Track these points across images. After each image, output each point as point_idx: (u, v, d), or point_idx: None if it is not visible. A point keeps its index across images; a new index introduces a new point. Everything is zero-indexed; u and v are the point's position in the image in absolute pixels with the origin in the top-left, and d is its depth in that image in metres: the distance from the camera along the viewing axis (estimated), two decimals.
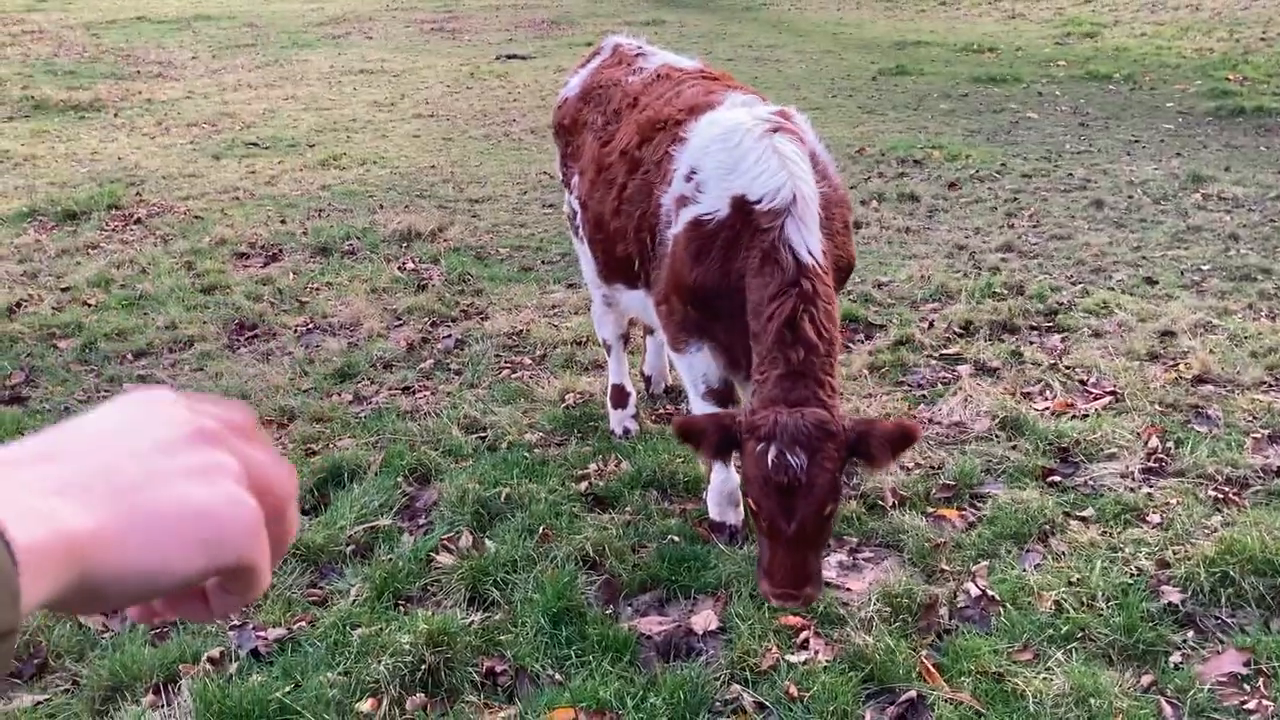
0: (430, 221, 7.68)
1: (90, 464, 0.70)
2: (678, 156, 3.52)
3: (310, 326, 5.96)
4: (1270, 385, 4.82)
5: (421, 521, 4.00)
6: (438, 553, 3.75)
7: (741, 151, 3.33)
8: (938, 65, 14.38)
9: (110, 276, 6.71)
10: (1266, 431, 4.40)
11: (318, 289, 6.51)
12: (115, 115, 12.32)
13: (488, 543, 3.78)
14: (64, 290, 6.51)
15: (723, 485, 3.84)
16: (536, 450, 4.47)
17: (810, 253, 3.21)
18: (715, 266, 3.34)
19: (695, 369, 3.67)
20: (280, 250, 7.28)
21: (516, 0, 24.10)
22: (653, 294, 3.75)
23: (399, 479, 4.21)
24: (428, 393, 5.08)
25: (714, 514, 3.88)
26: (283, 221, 7.95)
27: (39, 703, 3.05)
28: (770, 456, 2.92)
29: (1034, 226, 7.31)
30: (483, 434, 4.63)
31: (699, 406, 3.70)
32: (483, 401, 4.93)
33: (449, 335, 5.73)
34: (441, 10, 23.22)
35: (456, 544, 3.79)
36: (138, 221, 7.97)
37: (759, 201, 3.23)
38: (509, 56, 16.26)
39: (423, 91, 13.64)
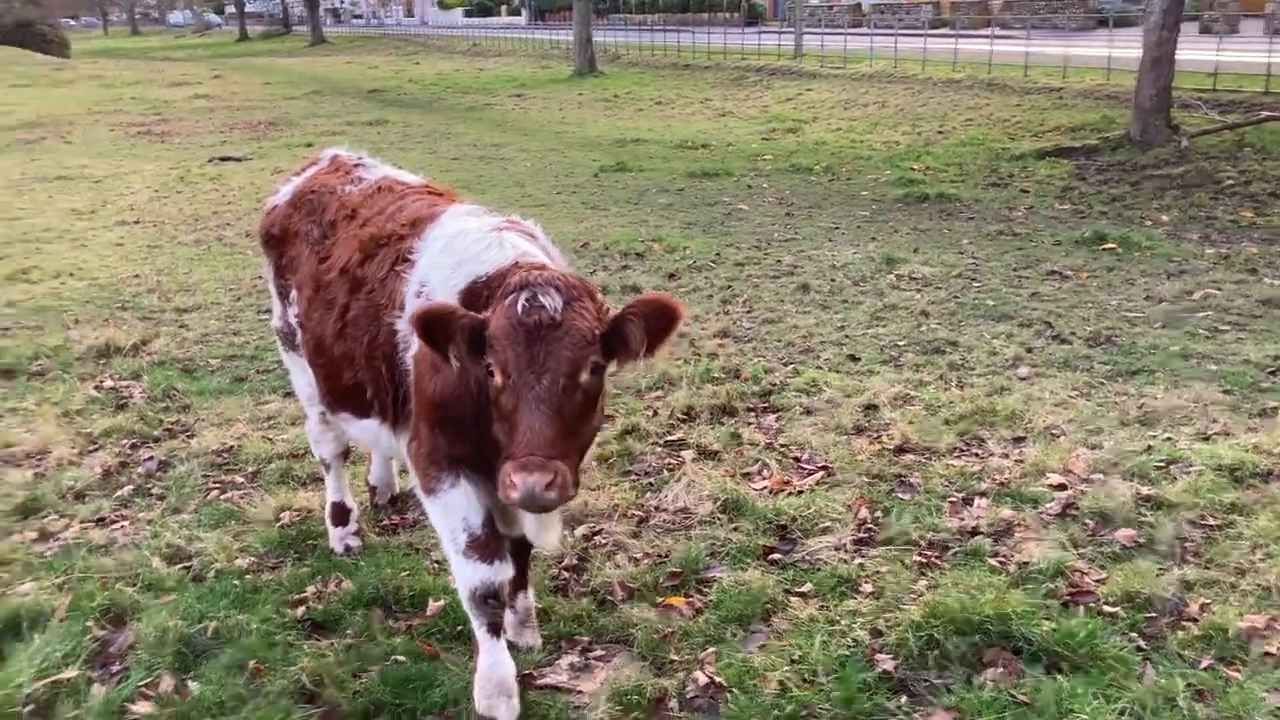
0: (132, 335, 7.19)
1: None
2: (408, 278, 3.32)
3: None
4: (962, 450, 5.19)
5: (115, 669, 3.62)
6: (134, 702, 3.41)
7: (462, 247, 3.22)
8: (656, 161, 15.01)
9: None
10: (961, 495, 4.71)
11: None
12: None
13: (191, 685, 3.47)
14: None
15: (491, 670, 3.33)
16: (248, 576, 4.18)
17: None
18: (452, 371, 3.04)
19: (453, 512, 3.24)
20: None
21: (231, 102, 23.45)
22: (404, 430, 3.44)
23: (89, 623, 3.81)
24: (126, 523, 4.67)
25: (480, 705, 3.32)
26: None
27: None
28: (521, 300, 2.73)
29: (748, 312, 7.66)
30: (188, 563, 4.28)
31: (462, 567, 3.26)
32: (188, 527, 4.58)
33: (150, 457, 5.32)
34: (150, 113, 22.23)
35: (156, 690, 3.46)
36: None
37: (490, 277, 3.05)
38: (223, 159, 15.70)
39: (127, 197, 12.91)
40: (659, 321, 2.86)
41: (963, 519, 4.49)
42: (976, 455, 5.12)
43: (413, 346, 3.30)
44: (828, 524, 4.47)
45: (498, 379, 2.77)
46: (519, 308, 2.74)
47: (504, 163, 15.31)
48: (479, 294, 3.04)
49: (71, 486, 5.00)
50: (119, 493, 4.97)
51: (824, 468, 5.01)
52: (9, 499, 4.85)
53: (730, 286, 8.37)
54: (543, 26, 46.47)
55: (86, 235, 10.82)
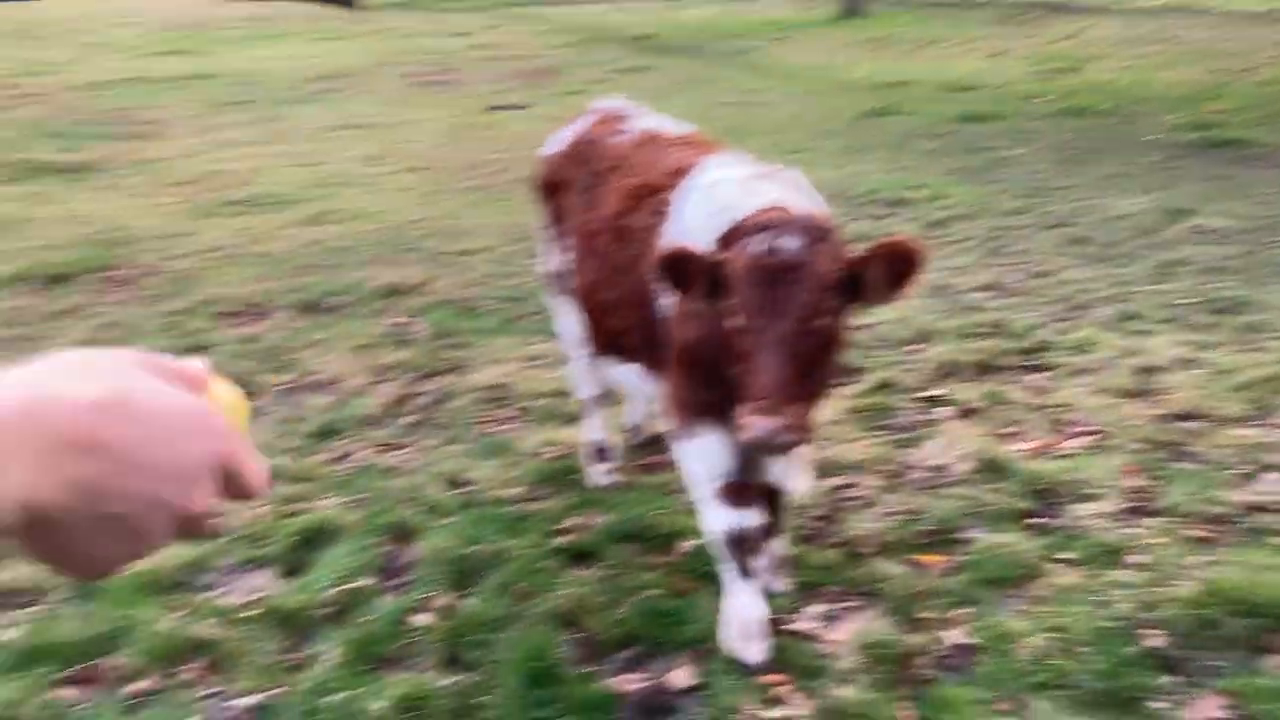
0: (416, 275, 7.72)
1: (77, 358, 0.81)
2: (666, 228, 3.36)
3: (294, 385, 5.96)
4: (1252, 419, 4.81)
5: (400, 581, 3.98)
6: (415, 613, 3.73)
7: (718, 195, 3.22)
8: (921, 104, 14.49)
9: (96, 339, 6.72)
10: (1248, 467, 4.38)
11: (303, 346, 6.52)
12: (108, 176, 12.42)
13: (465, 602, 3.76)
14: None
15: (740, 612, 3.43)
16: (517, 505, 4.46)
17: None
18: (705, 317, 3.10)
19: (704, 458, 3.33)
20: (267, 308, 7.30)
21: (508, 51, 24.41)
22: (661, 376, 3.55)
23: (379, 538, 4.20)
24: (410, 449, 5.08)
25: (729, 645, 3.43)
26: (270, 279, 7.98)
27: None
28: (760, 241, 2.75)
29: (1016, 264, 7.34)
30: (464, 490, 4.62)
31: (712, 511, 3.35)
32: (464, 457, 4.92)
33: (432, 390, 5.73)
34: (433, 64, 23.47)
35: (434, 604, 3.77)
36: (126, 283, 8.00)
37: (742, 224, 3.01)
38: (500, 107, 16.39)
39: (413, 144, 13.74)
40: (901, 264, 2.81)
41: (1248, 493, 4.18)
42: (1270, 425, 4.73)
43: (669, 294, 3.39)
44: (1095, 491, 4.28)
45: (735, 321, 2.80)
46: (757, 249, 2.76)
47: (764, 108, 15.20)
48: (731, 241, 3.05)
49: (363, 413, 5.46)
50: (404, 421, 5.39)
51: (1094, 431, 4.78)
52: (311, 421, 5.37)
53: (998, 237, 8.03)
54: None
55: (377, 181, 11.63)
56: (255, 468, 0.85)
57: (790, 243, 2.75)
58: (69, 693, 3.42)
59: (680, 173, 3.56)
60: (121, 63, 23.04)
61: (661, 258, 2.92)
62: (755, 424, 2.67)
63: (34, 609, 3.87)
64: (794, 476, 3.30)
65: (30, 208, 10.80)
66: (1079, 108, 13.35)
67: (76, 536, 0.74)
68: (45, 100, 18.45)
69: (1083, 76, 16.03)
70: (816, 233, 2.81)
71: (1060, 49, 19.10)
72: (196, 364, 0.88)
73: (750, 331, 2.77)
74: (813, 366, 2.80)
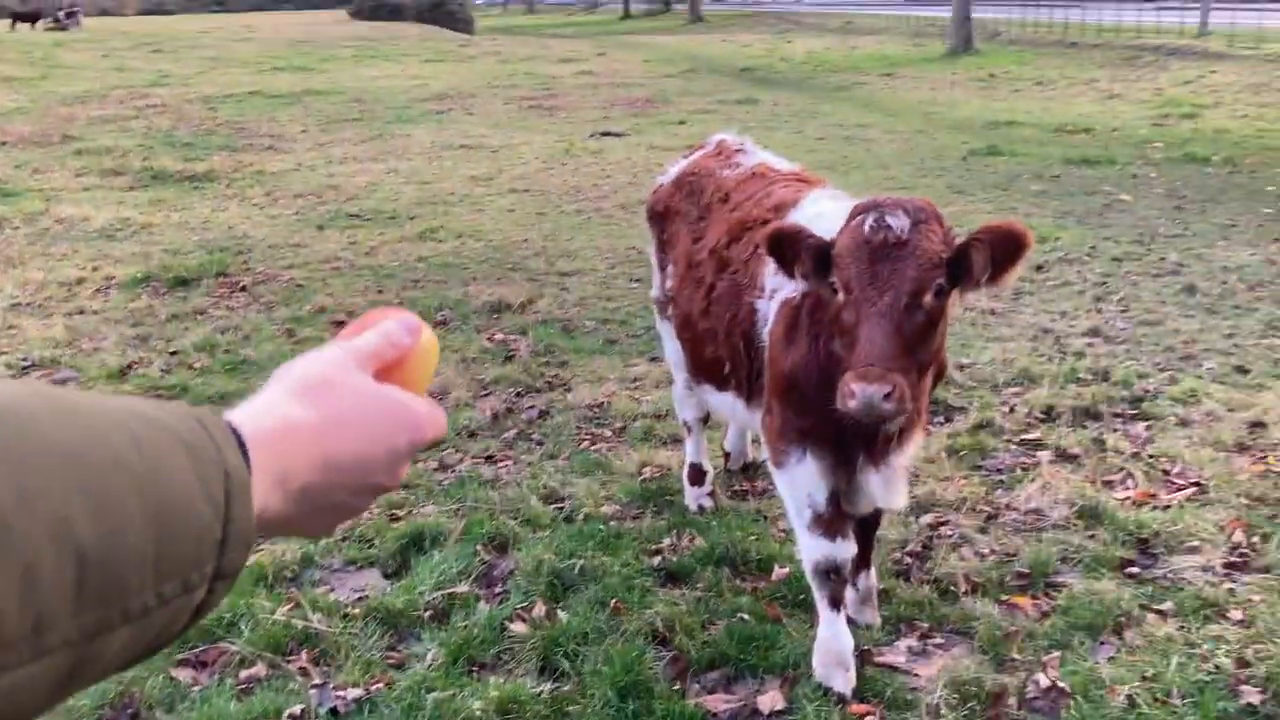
0: (520, 294, 7.91)
1: (300, 380, 0.92)
2: (768, 261, 3.35)
3: None
4: None
5: (498, 590, 4.10)
6: (512, 621, 3.85)
7: (820, 228, 3.17)
8: (1030, 146, 14.35)
9: (215, 341, 7.04)
10: None
11: None
12: (227, 186, 12.95)
13: (560, 614, 3.87)
14: (172, 354, 6.85)
15: (830, 641, 3.49)
16: (612, 523, 4.56)
17: None
18: (804, 341, 3.21)
19: (798, 487, 3.38)
20: None
21: (613, 79, 24.76)
22: (757, 405, 3.64)
23: (478, 547, 4.34)
24: (509, 462, 5.22)
25: (818, 673, 3.49)
26: (380, 291, 8.26)
27: None
28: (869, 220, 2.81)
29: (1122, 311, 7.24)
30: (561, 505, 4.74)
31: (806, 540, 3.42)
32: (562, 472, 5.05)
33: (532, 406, 5.88)
34: (540, 88, 23.94)
35: (530, 614, 3.89)
36: (243, 289, 8.36)
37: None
38: (603, 134, 16.66)
39: (519, 167, 14.06)
40: (1006, 248, 2.85)
41: None
42: None
43: (768, 324, 3.47)
44: (1196, 543, 4.22)
45: (840, 295, 2.88)
46: (865, 227, 2.83)
47: (869, 144, 15.21)
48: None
49: (466, 425, 5.63)
50: (505, 435, 5.54)
51: (1196, 484, 4.71)
52: None
53: (1104, 283, 7.93)
54: (919, 3, 45.29)
55: (484, 200, 11.93)
56: (438, 425, 0.99)
57: (898, 221, 2.82)
58: (186, 674, 3.61)
59: (782, 207, 3.66)
60: (241, 77, 23.97)
61: (769, 234, 3.00)
62: (858, 388, 2.70)
63: None
64: (893, 493, 3.33)
65: (155, 213, 11.33)
66: (1195, 155, 13.08)
67: (299, 523, 0.91)
68: (170, 111, 19.31)
69: (1200, 123, 15.70)
70: (924, 214, 2.87)
71: (1178, 94, 18.73)
72: (402, 327, 1.01)
73: (855, 304, 2.83)
74: (916, 343, 2.84)
